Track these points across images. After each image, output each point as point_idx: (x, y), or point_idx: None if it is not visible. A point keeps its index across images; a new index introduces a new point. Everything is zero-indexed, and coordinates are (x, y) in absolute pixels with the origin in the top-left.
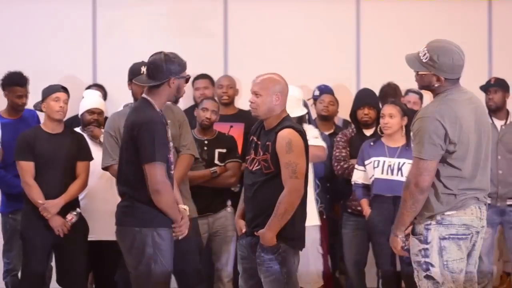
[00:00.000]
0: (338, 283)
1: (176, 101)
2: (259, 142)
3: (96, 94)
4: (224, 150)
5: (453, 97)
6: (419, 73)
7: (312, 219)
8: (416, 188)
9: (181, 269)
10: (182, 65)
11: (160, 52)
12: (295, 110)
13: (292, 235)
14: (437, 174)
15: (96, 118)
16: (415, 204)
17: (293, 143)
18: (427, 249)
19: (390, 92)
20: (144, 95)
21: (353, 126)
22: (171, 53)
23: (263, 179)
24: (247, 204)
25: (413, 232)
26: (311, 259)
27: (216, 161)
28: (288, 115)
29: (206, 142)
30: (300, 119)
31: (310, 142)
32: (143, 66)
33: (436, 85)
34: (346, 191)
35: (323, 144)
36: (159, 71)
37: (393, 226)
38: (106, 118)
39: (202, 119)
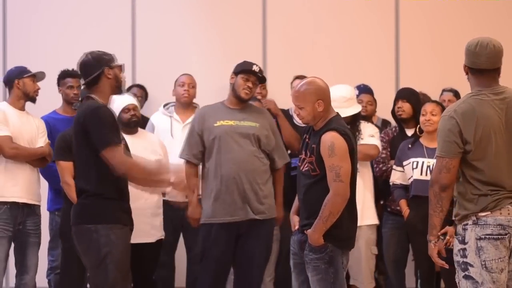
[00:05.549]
0: (377, 283)
1: (119, 92)
2: (309, 142)
3: (130, 94)
4: None
5: (480, 97)
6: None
7: (368, 218)
8: (437, 185)
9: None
10: (110, 56)
11: (84, 54)
12: (345, 110)
13: (340, 236)
14: (465, 176)
15: (133, 113)
16: (440, 202)
17: (336, 146)
18: (465, 249)
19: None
20: (87, 95)
21: (391, 125)
22: (94, 50)
23: (311, 181)
24: (300, 203)
25: (455, 233)
26: (364, 258)
27: None
28: (336, 115)
29: None
30: (355, 118)
31: (364, 141)
32: (255, 65)
33: (467, 77)
34: (385, 191)
35: (376, 142)
36: (90, 67)
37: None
38: (143, 117)
39: None
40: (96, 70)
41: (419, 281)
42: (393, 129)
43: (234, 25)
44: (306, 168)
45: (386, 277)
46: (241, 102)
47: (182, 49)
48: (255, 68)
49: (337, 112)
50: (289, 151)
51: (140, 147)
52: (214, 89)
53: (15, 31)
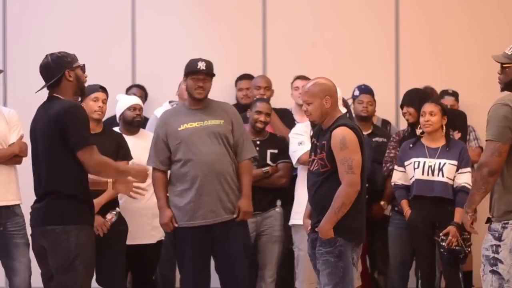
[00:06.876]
0: (377, 283)
1: (82, 94)
2: (317, 143)
3: (131, 95)
4: (275, 151)
5: None
6: (503, 66)
7: None
8: (486, 169)
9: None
10: (71, 57)
11: (45, 56)
12: None
13: (350, 228)
14: None
15: (138, 113)
16: (485, 185)
17: (347, 140)
18: (499, 245)
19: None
20: (53, 94)
21: (391, 125)
22: (55, 52)
23: (321, 178)
24: (310, 204)
25: (489, 228)
26: None
27: (268, 161)
28: (343, 114)
29: (258, 142)
30: None
31: None
32: (200, 61)
33: None
34: (384, 192)
35: None
36: (51, 70)
37: (465, 204)
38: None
39: (257, 122)
40: (57, 73)
41: (419, 281)
42: (406, 129)
43: (234, 25)
44: (316, 167)
45: (387, 278)
46: (200, 102)
47: (182, 50)
48: (199, 65)
49: (344, 113)
50: None
51: (141, 147)
52: (213, 89)
53: (15, 31)
